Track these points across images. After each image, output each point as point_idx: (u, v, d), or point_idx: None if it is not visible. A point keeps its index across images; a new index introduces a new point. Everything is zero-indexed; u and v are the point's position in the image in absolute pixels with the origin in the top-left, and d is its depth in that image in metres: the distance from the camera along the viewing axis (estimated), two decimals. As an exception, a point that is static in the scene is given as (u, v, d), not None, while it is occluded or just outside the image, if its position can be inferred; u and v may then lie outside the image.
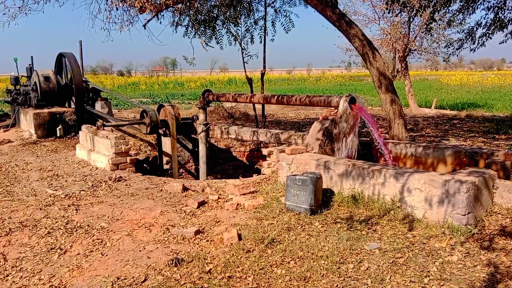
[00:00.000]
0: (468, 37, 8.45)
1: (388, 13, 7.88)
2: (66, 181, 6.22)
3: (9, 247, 3.91)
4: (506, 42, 8.52)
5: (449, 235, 3.55)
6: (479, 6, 7.79)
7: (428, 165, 5.43)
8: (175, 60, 79.95)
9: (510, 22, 7.74)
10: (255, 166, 9.42)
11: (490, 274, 2.99)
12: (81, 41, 11.56)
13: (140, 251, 3.70)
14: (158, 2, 7.80)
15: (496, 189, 4.06)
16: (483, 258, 3.23)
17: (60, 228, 4.30)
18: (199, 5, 8.36)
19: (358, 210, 4.21)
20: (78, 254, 3.72)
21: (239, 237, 3.80)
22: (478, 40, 8.37)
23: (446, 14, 10.16)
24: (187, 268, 3.30)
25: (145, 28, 8.76)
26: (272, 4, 10.28)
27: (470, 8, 7.78)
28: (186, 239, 3.91)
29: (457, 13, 8.10)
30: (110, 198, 5.35)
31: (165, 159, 8.96)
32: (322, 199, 4.43)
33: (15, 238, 4.11)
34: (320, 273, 3.11)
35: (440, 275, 3.01)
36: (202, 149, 8.64)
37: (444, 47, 16.03)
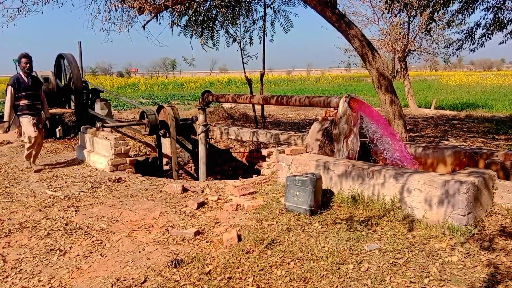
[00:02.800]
0: (467, 38, 8.45)
1: (388, 13, 7.87)
2: (65, 182, 6.21)
3: (9, 249, 3.91)
4: (505, 42, 8.53)
5: (449, 235, 3.55)
6: (478, 7, 7.78)
7: (428, 165, 5.43)
8: (175, 61, 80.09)
9: (510, 23, 7.74)
10: (255, 167, 9.42)
11: (490, 275, 2.99)
12: (80, 42, 11.54)
13: (139, 252, 3.70)
14: (158, 3, 7.80)
15: (496, 190, 4.05)
16: (483, 258, 3.22)
17: (59, 229, 4.30)
18: (198, 5, 8.35)
19: (358, 211, 4.20)
20: (78, 255, 3.72)
21: (239, 238, 3.79)
22: (478, 41, 8.37)
23: (446, 14, 10.17)
24: (186, 269, 3.30)
25: (144, 29, 8.77)
26: (271, 5, 10.28)
27: (470, 9, 7.77)
28: (186, 240, 3.90)
29: (457, 14, 8.10)
30: (110, 199, 5.34)
31: (164, 160, 8.95)
32: (322, 200, 4.42)
33: (15, 239, 4.11)
34: (320, 274, 3.11)
35: (440, 276, 3.01)
36: (201, 150, 8.63)
37: (444, 48, 16.05)
